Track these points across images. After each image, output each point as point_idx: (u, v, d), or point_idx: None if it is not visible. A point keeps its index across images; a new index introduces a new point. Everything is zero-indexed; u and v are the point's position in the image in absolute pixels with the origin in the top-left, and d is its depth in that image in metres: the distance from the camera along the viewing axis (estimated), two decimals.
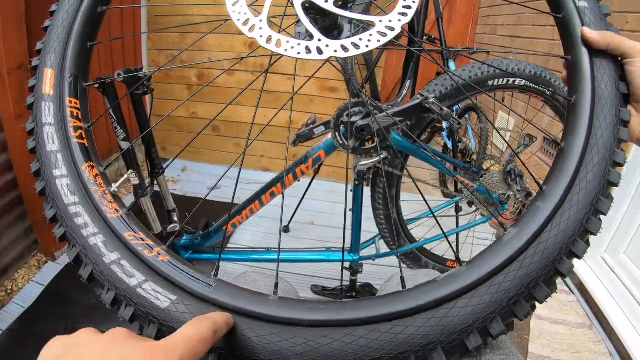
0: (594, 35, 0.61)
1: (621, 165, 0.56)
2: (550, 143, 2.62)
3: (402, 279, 0.55)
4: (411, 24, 2.59)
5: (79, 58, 0.65)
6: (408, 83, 2.28)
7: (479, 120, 2.58)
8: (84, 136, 0.60)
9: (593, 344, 1.81)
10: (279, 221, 2.41)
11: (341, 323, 0.46)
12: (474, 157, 2.39)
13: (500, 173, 1.45)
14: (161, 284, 0.49)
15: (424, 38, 2.76)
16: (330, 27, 0.64)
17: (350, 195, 1.40)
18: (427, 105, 0.94)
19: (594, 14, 0.64)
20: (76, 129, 0.60)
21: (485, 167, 1.77)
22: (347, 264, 1.51)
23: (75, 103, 0.63)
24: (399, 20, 0.55)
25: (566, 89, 0.65)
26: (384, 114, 0.97)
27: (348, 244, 1.48)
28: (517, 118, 3.13)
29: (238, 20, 0.55)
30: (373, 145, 1.02)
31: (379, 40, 0.52)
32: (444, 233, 0.57)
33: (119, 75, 1.26)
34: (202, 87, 3.00)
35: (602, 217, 0.54)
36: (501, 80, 1.30)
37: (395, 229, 1.40)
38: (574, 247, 0.51)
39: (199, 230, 1.63)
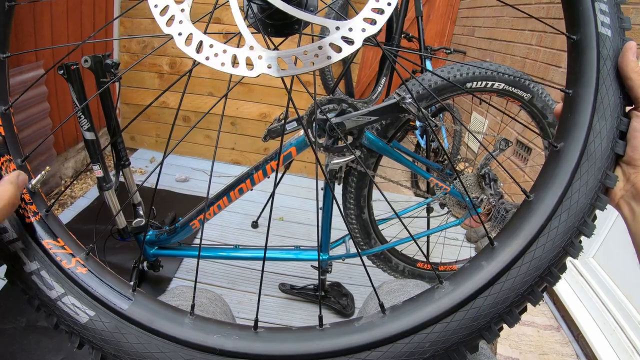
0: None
1: (588, 236, 0.49)
2: (523, 148, 2.63)
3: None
4: (389, 22, 2.57)
5: None
6: (383, 80, 2.27)
7: (453, 121, 2.58)
8: None
9: (560, 345, 1.84)
10: (249, 216, 2.37)
11: (252, 357, 0.44)
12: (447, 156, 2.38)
13: (475, 176, 1.43)
14: (80, 298, 0.46)
15: (402, 36, 2.73)
16: (284, 24, 0.54)
17: (320, 193, 1.37)
18: (403, 105, 0.91)
19: (615, 43, 0.51)
20: None
21: (459, 169, 1.76)
22: (315, 263, 1.48)
23: None
24: (363, 30, 0.41)
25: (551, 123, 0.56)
26: (359, 112, 0.94)
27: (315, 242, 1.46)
28: (491, 120, 3.15)
29: (155, 6, 0.42)
30: (346, 143, 0.99)
31: (329, 57, 0.40)
32: (412, 236, 0.53)
33: (85, 61, 1.20)
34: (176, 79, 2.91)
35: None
36: (480, 82, 1.29)
37: (365, 229, 1.38)
38: (508, 316, 0.46)
39: (166, 224, 1.58)
